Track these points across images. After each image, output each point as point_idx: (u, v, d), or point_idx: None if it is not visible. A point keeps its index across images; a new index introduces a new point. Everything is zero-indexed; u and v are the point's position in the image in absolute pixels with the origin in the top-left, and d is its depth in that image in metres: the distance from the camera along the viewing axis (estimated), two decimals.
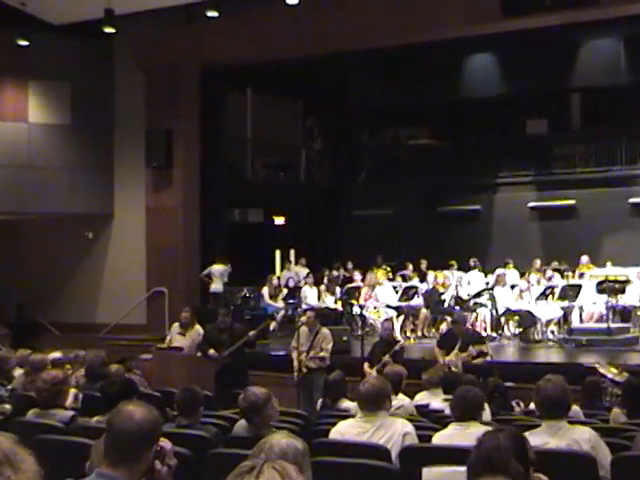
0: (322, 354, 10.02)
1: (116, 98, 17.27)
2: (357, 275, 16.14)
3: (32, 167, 16.40)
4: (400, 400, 7.31)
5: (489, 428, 4.57)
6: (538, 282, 14.68)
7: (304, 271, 16.98)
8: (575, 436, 4.42)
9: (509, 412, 7.21)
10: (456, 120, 20.46)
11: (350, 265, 17.44)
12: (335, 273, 16.98)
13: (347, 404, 7.33)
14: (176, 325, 11.76)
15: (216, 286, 15.57)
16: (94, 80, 17.02)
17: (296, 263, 17.80)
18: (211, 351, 10.15)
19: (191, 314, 11.65)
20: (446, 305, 14.76)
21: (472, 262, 16.27)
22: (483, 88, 19.67)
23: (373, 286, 15.06)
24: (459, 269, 16.47)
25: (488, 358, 9.92)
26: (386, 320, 11.78)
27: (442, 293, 14.97)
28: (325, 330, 10.29)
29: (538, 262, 16.21)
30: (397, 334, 14.21)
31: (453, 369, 9.57)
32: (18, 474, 2.00)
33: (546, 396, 4.52)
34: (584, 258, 15.87)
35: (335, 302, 15.62)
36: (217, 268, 15.63)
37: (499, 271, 15.54)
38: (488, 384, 7.37)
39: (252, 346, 10.57)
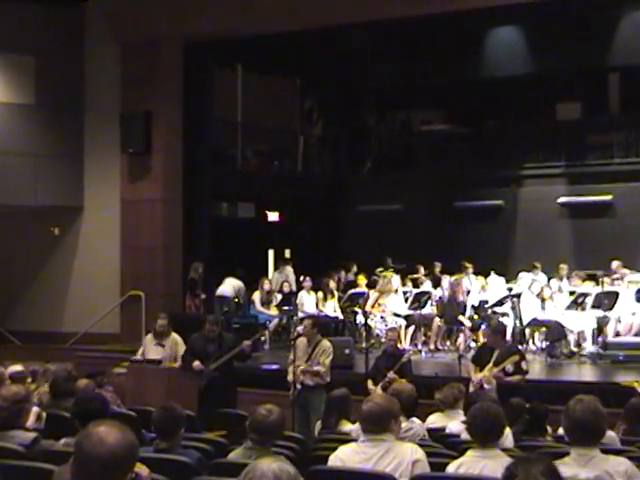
0: (317, 369, 9.99)
1: (87, 75, 17.26)
2: (362, 279, 16.15)
3: None
4: (410, 422, 7.31)
5: (508, 459, 4.58)
6: (560, 289, 14.67)
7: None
8: (608, 467, 4.39)
9: (534, 437, 7.20)
10: (476, 103, 20.44)
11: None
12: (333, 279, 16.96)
13: (349, 427, 7.33)
14: (150, 335, 11.78)
15: (224, 288, 15.65)
16: (62, 54, 16.99)
17: (292, 265, 17.81)
18: (196, 363, 10.11)
19: (168, 321, 11.66)
20: (466, 314, 14.76)
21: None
22: (508, 66, 19.61)
23: (384, 293, 15.03)
24: (477, 273, 16.50)
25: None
26: (390, 330, 11.77)
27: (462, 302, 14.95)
28: (326, 342, 10.29)
29: (565, 267, 16.16)
30: (405, 345, 14.23)
31: (486, 386, 9.51)
32: None
33: (576, 419, 4.50)
34: (614, 263, 15.79)
35: (335, 310, 15.64)
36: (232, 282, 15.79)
37: (527, 275, 15.55)
38: (513, 405, 7.35)
39: (246, 358, 10.54)
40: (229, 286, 15.73)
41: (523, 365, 9.87)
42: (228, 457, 5.48)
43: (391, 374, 9.91)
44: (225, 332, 10.99)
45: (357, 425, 6.97)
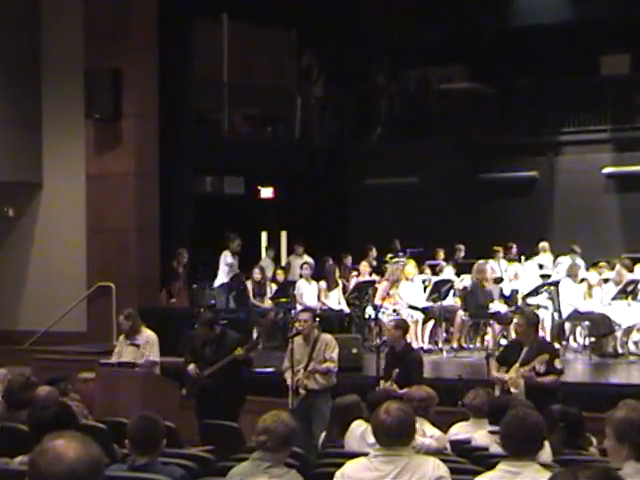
0: (327, 365, 9.99)
1: (45, 28, 17.20)
2: (366, 267, 16.22)
3: None
4: (429, 432, 7.30)
5: (548, 473, 4.53)
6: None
7: (299, 261, 17.02)
8: None
9: (576, 450, 7.17)
10: (505, 57, 20.39)
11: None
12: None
13: None
14: (123, 335, 11.74)
15: (220, 276, 15.72)
16: (15, 3, 16.93)
17: (289, 250, 17.81)
18: (190, 366, 10.09)
19: (131, 319, 11.46)
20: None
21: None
22: (541, 14, 19.61)
23: (397, 281, 15.01)
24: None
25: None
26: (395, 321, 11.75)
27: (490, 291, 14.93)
28: (326, 335, 10.29)
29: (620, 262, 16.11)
30: (418, 342, 14.22)
31: (513, 390, 9.44)
32: None
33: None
34: None
35: (340, 302, 15.63)
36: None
37: (567, 259, 15.55)
38: (552, 413, 7.30)
39: (250, 364, 10.49)
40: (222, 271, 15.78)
41: (557, 364, 9.74)
42: (231, 473, 5.47)
43: (386, 384, 9.75)
44: (231, 331, 10.68)
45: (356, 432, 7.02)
